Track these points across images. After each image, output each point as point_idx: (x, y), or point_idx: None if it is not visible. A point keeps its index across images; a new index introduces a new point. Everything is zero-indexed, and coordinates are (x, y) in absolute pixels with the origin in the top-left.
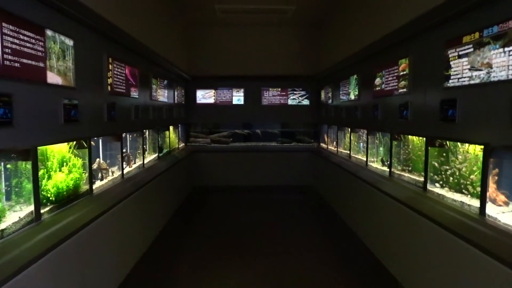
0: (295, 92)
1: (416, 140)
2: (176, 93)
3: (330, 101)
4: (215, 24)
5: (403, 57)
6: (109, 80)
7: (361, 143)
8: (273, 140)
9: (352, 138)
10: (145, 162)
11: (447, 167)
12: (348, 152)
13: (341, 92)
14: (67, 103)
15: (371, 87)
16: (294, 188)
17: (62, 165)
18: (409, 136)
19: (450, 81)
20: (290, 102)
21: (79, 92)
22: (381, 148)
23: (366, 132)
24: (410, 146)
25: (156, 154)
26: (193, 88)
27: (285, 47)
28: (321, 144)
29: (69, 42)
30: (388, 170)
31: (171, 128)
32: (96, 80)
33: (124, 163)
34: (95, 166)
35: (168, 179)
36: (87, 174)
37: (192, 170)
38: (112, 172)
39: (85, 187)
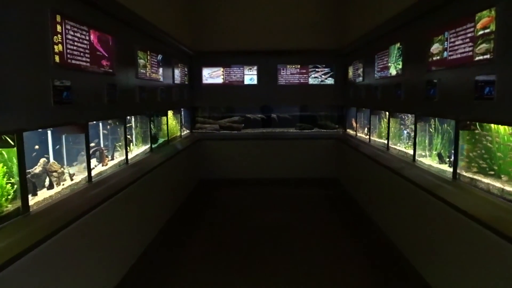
0: (317, 70)
1: (504, 131)
2: (176, 71)
3: (360, 79)
4: None
5: (486, 8)
6: (57, 48)
7: (405, 131)
8: (291, 126)
9: (391, 124)
10: (130, 156)
11: None
12: (385, 141)
13: (376, 67)
14: None
15: (423, 57)
16: (315, 182)
17: None
18: (491, 125)
19: None
20: (311, 81)
21: None
22: (437, 139)
23: (413, 117)
24: (494, 139)
25: (148, 146)
26: (198, 66)
27: (305, 16)
28: (348, 130)
29: None
30: (450, 170)
31: (170, 113)
32: (32, 46)
33: (95, 160)
34: (37, 169)
35: (163, 176)
36: (18, 185)
37: (198, 161)
38: (72, 176)
39: (12, 204)
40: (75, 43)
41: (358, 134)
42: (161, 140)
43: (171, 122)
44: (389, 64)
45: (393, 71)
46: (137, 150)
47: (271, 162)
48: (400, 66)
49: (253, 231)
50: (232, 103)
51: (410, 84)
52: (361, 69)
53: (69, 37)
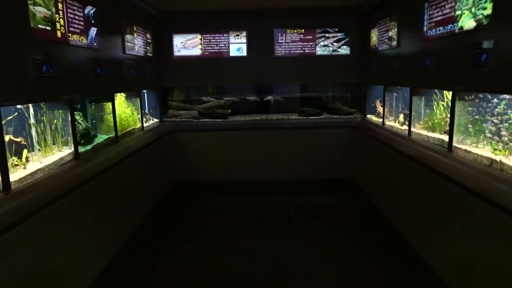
0: (327, 35)
1: None
2: (129, 37)
3: (387, 46)
4: None
5: None
6: None
7: (488, 122)
8: (293, 111)
9: (457, 111)
10: (23, 174)
11: None
12: (445, 137)
13: (426, 23)
14: None
15: None
16: (325, 184)
17: None
18: None
19: None
20: (319, 51)
21: None
22: None
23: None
24: None
25: (71, 150)
26: (168, 32)
27: None
28: (368, 116)
29: None
30: None
31: (119, 97)
32: None
33: None
34: None
35: (97, 196)
36: None
37: (171, 160)
38: None
39: None
40: None
41: (387, 123)
42: (102, 138)
43: (123, 110)
44: (457, 13)
45: (467, 23)
46: (43, 160)
47: (267, 159)
48: (485, 12)
49: (241, 278)
50: (213, 81)
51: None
52: (394, 30)
53: None
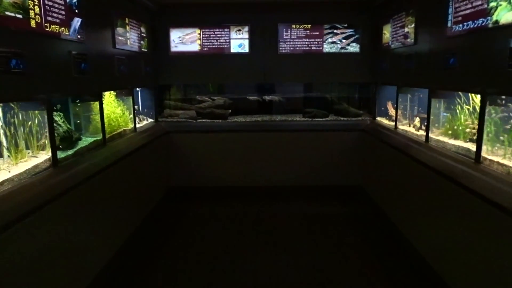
0: (335, 31)
1: None
2: (120, 30)
3: (408, 41)
4: None
5: None
6: None
7: None
8: (297, 112)
9: (487, 116)
10: None
11: None
12: (470, 146)
13: (452, 16)
14: None
15: None
16: (331, 191)
17: None
18: None
19: None
20: (327, 48)
21: None
22: None
23: None
24: None
25: (48, 156)
26: (164, 26)
27: None
28: (378, 118)
29: None
30: None
31: (108, 96)
32: None
33: None
34: None
35: (79, 210)
36: None
37: (166, 163)
38: None
39: None
40: None
41: (400, 127)
42: (87, 141)
43: (112, 109)
44: (492, 5)
45: (504, 17)
46: (12, 169)
47: (268, 163)
48: None
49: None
50: (213, 79)
51: None
52: (411, 26)
53: None
